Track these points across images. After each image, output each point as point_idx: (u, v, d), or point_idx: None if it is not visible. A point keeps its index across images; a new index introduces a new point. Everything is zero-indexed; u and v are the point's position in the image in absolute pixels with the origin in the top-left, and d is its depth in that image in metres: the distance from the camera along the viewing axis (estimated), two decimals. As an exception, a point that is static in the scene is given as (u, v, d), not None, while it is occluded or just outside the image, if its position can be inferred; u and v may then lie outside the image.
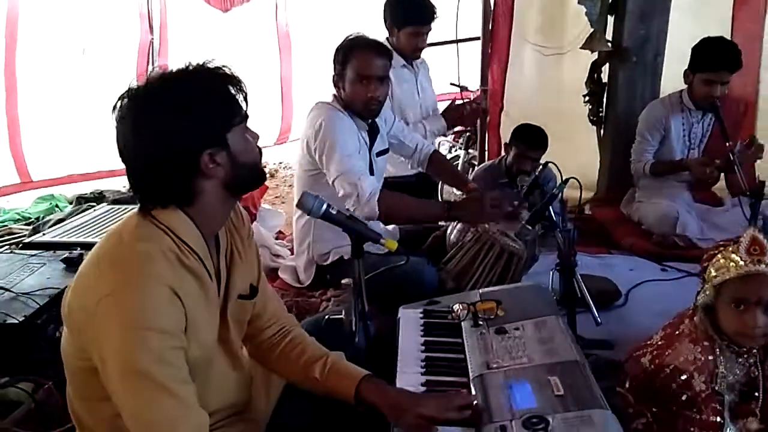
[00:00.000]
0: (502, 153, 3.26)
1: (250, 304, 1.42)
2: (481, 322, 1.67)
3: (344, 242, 2.29)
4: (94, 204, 3.00)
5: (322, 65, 5.78)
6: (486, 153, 3.71)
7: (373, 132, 2.32)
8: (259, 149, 1.29)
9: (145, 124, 1.15)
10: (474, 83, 4.03)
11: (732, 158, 2.73)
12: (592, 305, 2.05)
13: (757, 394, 1.38)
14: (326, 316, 1.66)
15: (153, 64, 5.79)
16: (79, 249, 2.16)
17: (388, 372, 1.55)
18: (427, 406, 1.31)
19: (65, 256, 2.10)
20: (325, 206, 1.46)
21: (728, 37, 3.16)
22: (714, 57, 2.85)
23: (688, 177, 3.14)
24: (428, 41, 3.18)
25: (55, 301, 1.88)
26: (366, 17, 5.64)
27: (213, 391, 1.31)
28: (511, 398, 1.34)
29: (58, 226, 2.53)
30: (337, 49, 2.25)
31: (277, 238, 3.13)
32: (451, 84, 4.48)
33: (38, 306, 1.83)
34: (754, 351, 1.40)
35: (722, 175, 3.05)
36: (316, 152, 2.17)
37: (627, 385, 1.52)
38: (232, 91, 1.21)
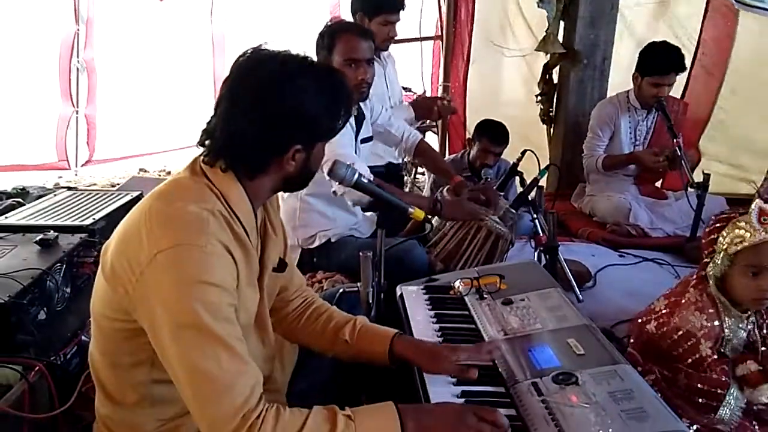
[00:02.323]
0: (466, 147, 3.38)
1: (280, 277, 1.41)
2: (486, 296, 1.74)
3: (330, 225, 2.33)
4: (20, 200, 2.84)
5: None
6: (447, 148, 3.81)
7: (359, 118, 2.34)
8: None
9: (261, 91, 1.15)
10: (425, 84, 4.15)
11: (678, 152, 2.96)
12: (575, 284, 2.18)
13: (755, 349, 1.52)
14: (341, 289, 1.66)
15: (78, 56, 5.54)
16: (52, 231, 2.04)
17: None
18: (465, 351, 1.37)
19: (40, 238, 1.97)
20: (357, 175, 1.47)
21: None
22: (662, 61, 3.08)
23: (635, 171, 3.38)
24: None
25: (37, 282, 1.77)
26: (303, 17, 5.67)
27: None
28: (533, 360, 1.41)
29: (18, 211, 2.37)
30: (321, 35, 2.24)
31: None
32: (404, 88, 4.59)
33: (22, 286, 1.71)
34: (752, 318, 1.55)
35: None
36: None
37: (632, 350, 1.63)
38: (345, 106, 1.24)
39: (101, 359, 1.23)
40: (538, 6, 3.53)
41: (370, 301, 1.57)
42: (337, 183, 1.85)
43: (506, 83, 4.11)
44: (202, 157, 1.22)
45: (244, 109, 1.16)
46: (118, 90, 5.72)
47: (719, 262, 1.54)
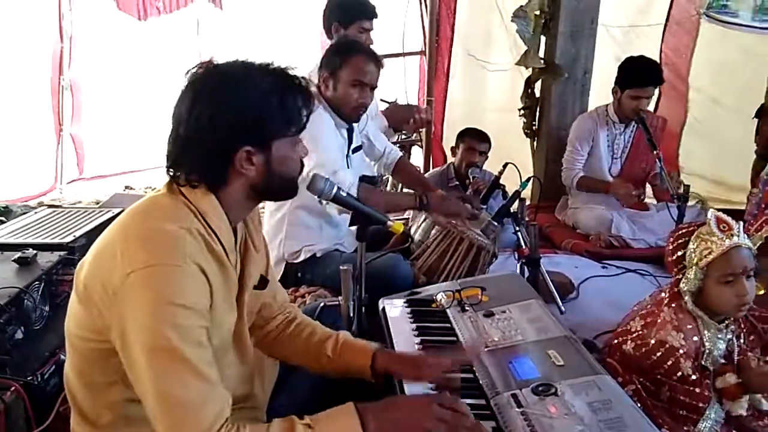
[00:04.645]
0: (449, 159, 3.41)
1: (261, 294, 1.41)
2: (467, 308, 1.74)
3: (316, 240, 2.33)
4: (2, 218, 2.82)
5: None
6: (431, 162, 3.83)
7: (350, 130, 2.35)
8: (301, 164, 1.28)
9: (208, 94, 1.15)
10: (412, 96, 4.19)
11: (659, 164, 3.00)
12: (557, 295, 2.19)
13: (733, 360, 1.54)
14: (323, 303, 1.66)
15: (62, 73, 5.53)
16: (31, 249, 2.02)
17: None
18: (446, 358, 1.37)
19: (18, 256, 1.95)
20: (336, 188, 1.48)
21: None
22: (641, 74, 3.13)
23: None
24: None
25: (15, 301, 1.75)
26: (291, 33, 5.72)
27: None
28: (513, 371, 1.41)
29: (-5, 229, 2.35)
30: (334, 47, 2.26)
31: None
32: (381, 100, 4.62)
33: (-1, 305, 1.69)
34: (732, 327, 1.56)
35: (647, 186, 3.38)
36: None
37: (613, 360, 1.63)
38: (299, 103, 1.21)
39: (76, 379, 1.22)
40: (512, 20, 3.58)
41: (352, 315, 1.57)
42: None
43: (489, 97, 4.15)
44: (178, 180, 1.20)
45: (189, 117, 1.15)
46: (103, 108, 5.71)
47: (692, 276, 1.55)
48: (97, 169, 5.83)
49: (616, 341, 1.68)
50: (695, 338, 1.53)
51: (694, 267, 1.53)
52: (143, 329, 1.06)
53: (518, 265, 2.21)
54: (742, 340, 1.56)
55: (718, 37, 3.85)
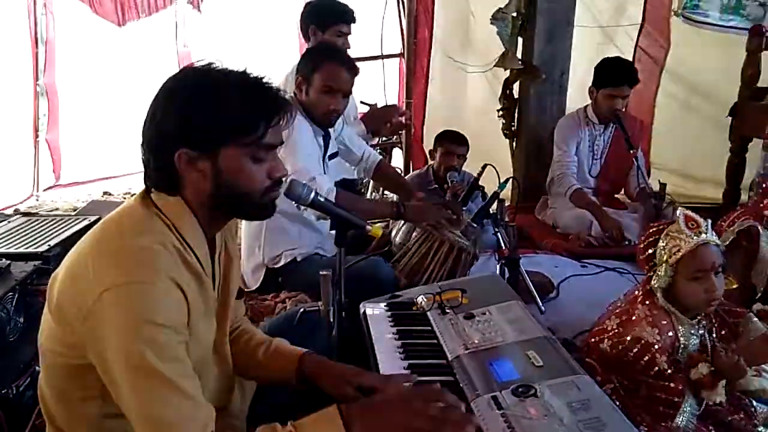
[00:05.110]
0: (429, 162, 3.41)
1: (238, 303, 1.40)
2: (447, 311, 1.74)
3: (296, 245, 2.32)
4: None
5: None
6: (411, 165, 3.83)
7: (326, 136, 2.35)
8: (272, 184, 1.21)
9: (162, 96, 1.14)
10: (392, 99, 4.19)
11: (636, 163, 3.04)
12: (536, 295, 2.20)
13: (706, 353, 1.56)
14: (301, 309, 1.65)
15: (38, 78, 5.46)
16: (4, 259, 1.98)
17: (367, 362, 1.58)
18: (370, 378, 1.35)
19: (-9, 266, 1.92)
20: (313, 194, 1.47)
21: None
22: (615, 74, 3.18)
23: (595, 183, 3.46)
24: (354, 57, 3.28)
25: (-12, 312, 1.72)
26: (270, 37, 5.70)
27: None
28: (493, 373, 1.41)
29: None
30: (309, 52, 2.26)
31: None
32: (362, 102, 4.62)
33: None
34: (704, 322, 1.59)
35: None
36: None
37: (591, 359, 1.65)
38: (257, 112, 1.14)
39: (50, 393, 1.19)
40: (491, 23, 3.60)
41: (332, 320, 1.56)
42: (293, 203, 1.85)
43: (469, 98, 4.18)
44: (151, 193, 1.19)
45: (145, 119, 1.15)
46: (81, 113, 5.64)
47: (663, 273, 1.58)
48: (75, 175, 5.76)
49: (593, 340, 1.70)
50: (670, 333, 1.56)
51: (664, 264, 1.57)
52: (120, 350, 1.04)
53: (498, 266, 2.22)
54: (714, 335, 1.59)
55: (690, 37, 3.92)
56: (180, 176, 1.14)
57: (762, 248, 1.79)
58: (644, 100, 3.95)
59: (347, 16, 2.94)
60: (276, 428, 1.11)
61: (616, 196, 3.59)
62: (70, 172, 5.70)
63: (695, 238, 1.51)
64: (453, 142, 3.15)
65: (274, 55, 4.91)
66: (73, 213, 2.96)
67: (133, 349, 1.03)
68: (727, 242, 1.81)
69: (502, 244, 2.24)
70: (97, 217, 2.48)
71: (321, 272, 1.55)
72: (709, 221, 1.54)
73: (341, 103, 2.25)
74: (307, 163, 2.11)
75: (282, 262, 2.28)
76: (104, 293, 1.04)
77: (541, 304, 2.18)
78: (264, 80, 1.17)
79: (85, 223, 2.40)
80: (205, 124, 1.12)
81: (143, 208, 1.16)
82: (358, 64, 3.72)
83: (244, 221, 2.33)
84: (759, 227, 1.79)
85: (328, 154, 2.38)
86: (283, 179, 1.24)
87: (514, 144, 3.94)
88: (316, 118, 2.25)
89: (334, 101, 2.21)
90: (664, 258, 1.56)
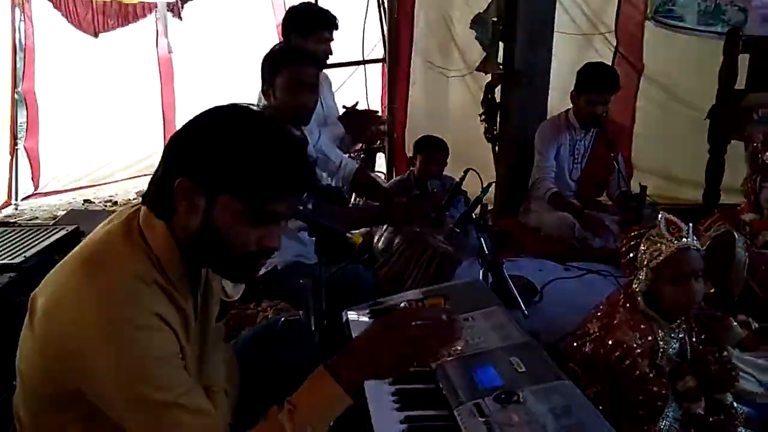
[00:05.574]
0: (410, 168, 3.41)
1: (221, 325, 1.37)
2: (431, 317, 1.73)
3: (277, 253, 2.28)
4: None
5: (207, 89, 5.73)
6: (394, 169, 3.83)
7: (303, 144, 2.33)
8: (259, 252, 1.14)
9: (199, 119, 1.12)
10: (375, 104, 4.19)
11: (616, 166, 3.07)
12: (520, 300, 2.20)
13: (687, 359, 1.57)
14: (282, 318, 1.64)
15: (17, 86, 5.40)
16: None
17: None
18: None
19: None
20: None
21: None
22: (597, 80, 3.21)
23: (575, 187, 3.49)
24: (334, 62, 3.28)
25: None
26: (250, 40, 5.69)
27: None
28: (476, 380, 1.41)
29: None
30: (266, 59, 2.25)
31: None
32: (344, 107, 4.62)
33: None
34: (684, 326, 1.59)
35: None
36: None
37: (574, 365, 1.65)
38: (278, 179, 1.08)
39: (26, 414, 1.16)
40: (471, 27, 3.62)
41: (313, 329, 1.55)
42: None
43: (451, 103, 4.19)
44: (140, 212, 1.15)
45: (178, 135, 1.13)
46: (59, 121, 5.59)
47: (643, 277, 1.59)
48: (55, 184, 5.70)
49: (575, 344, 1.70)
50: (650, 338, 1.56)
51: (645, 268, 1.57)
52: (119, 390, 1.03)
53: (481, 271, 2.22)
54: (694, 339, 1.60)
55: (664, 41, 3.97)
56: (175, 202, 1.10)
57: (737, 254, 1.80)
58: (625, 103, 3.99)
59: (330, 23, 2.94)
60: (274, 412, 1.10)
61: (597, 198, 3.61)
62: (49, 181, 5.64)
63: (676, 242, 1.52)
64: (432, 149, 3.15)
65: (255, 62, 4.88)
66: (50, 223, 2.91)
67: (130, 388, 1.03)
68: (704, 247, 1.82)
69: (485, 249, 2.24)
70: (75, 226, 2.44)
71: (302, 281, 1.54)
72: (691, 225, 1.55)
73: (309, 98, 2.24)
74: None
75: (262, 271, 2.25)
76: (94, 333, 1.02)
77: (524, 308, 2.18)
78: (303, 151, 1.14)
79: (63, 233, 2.36)
80: (216, 164, 1.06)
81: (127, 241, 1.11)
82: (340, 69, 3.76)
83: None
84: (734, 233, 1.80)
85: None
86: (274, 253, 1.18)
87: (497, 148, 3.95)
88: (290, 119, 2.24)
89: (301, 97, 2.21)
90: (645, 262, 1.57)
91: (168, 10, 6.05)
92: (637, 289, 1.60)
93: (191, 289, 1.20)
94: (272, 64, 2.22)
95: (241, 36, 5.80)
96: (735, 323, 1.78)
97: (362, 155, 4.55)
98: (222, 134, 1.08)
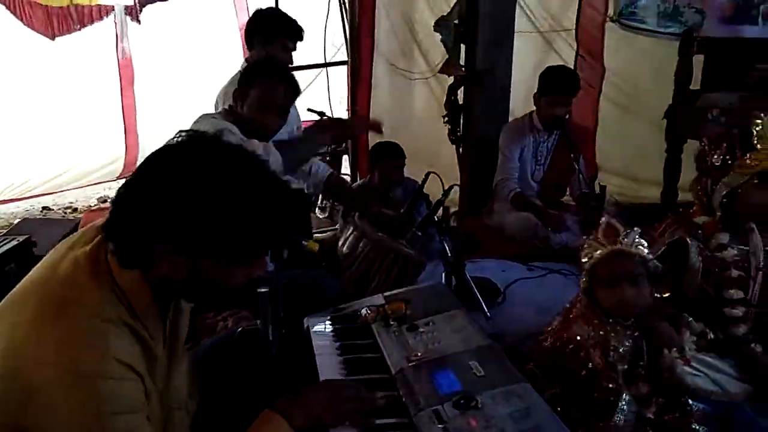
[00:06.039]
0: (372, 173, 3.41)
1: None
2: (392, 322, 1.73)
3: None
4: None
5: (169, 93, 5.63)
6: (357, 174, 3.82)
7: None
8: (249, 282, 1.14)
9: (162, 168, 1.03)
10: (338, 108, 4.17)
11: (577, 168, 3.11)
12: (482, 302, 2.21)
13: (642, 363, 1.59)
14: (239, 328, 1.61)
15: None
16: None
17: (310, 378, 1.55)
18: None
19: None
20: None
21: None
22: (557, 82, 3.25)
23: (537, 190, 3.53)
24: (296, 64, 3.24)
25: None
26: (204, 48, 5.62)
27: None
28: (436, 385, 1.40)
29: None
30: (252, 66, 2.21)
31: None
32: (309, 110, 4.58)
33: None
34: (635, 326, 1.61)
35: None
36: None
37: (533, 365, 1.66)
38: (263, 242, 1.06)
39: None
40: (434, 30, 3.63)
41: (271, 338, 1.52)
42: None
43: (416, 105, 4.20)
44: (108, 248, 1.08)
45: (137, 184, 1.03)
46: (17, 127, 5.43)
47: (584, 278, 1.62)
48: (13, 191, 5.53)
49: (540, 338, 1.73)
50: (602, 332, 1.59)
51: (584, 270, 1.59)
52: None
53: (444, 274, 2.22)
54: (643, 341, 1.61)
55: (626, 41, 4.04)
56: (151, 261, 1.05)
57: (691, 258, 1.83)
58: (587, 105, 4.05)
59: (295, 32, 2.90)
60: None
61: (560, 199, 3.65)
62: (6, 188, 5.47)
63: (610, 246, 1.54)
64: (389, 156, 3.15)
65: (216, 65, 4.82)
66: (3, 233, 2.82)
67: None
68: (659, 252, 1.85)
69: (448, 252, 2.24)
70: (27, 236, 2.36)
71: (258, 289, 1.51)
72: (636, 230, 1.57)
73: (275, 120, 2.21)
74: None
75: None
76: (51, 377, 0.97)
77: (487, 310, 2.19)
78: (290, 201, 1.09)
79: (14, 243, 2.29)
80: (198, 234, 1.01)
81: (94, 278, 1.05)
82: (303, 72, 3.72)
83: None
84: (687, 238, 1.83)
85: None
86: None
87: (461, 149, 3.97)
88: (253, 135, 2.21)
89: (268, 117, 2.18)
90: (584, 263, 1.60)
91: (126, 14, 5.93)
92: (582, 289, 1.63)
93: (160, 313, 1.16)
94: (252, 73, 2.18)
95: (203, 39, 5.72)
96: (691, 319, 1.82)
97: (328, 158, 4.55)
98: (199, 195, 0.99)
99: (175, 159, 1.03)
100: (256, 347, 1.52)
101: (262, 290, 1.51)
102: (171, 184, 1.00)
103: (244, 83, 2.18)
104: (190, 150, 1.04)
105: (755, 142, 1.73)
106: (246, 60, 2.91)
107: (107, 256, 1.07)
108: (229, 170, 1.02)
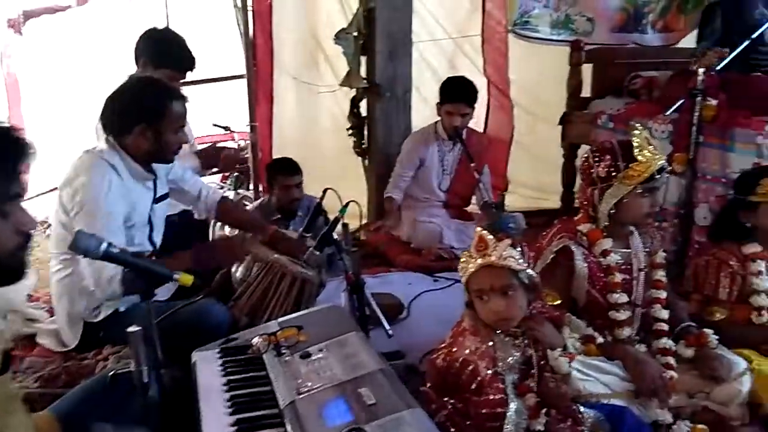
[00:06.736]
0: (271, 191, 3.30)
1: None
2: (284, 351, 1.64)
3: (117, 294, 2.07)
4: None
5: (59, 113, 5.26)
6: (260, 191, 3.69)
7: (155, 177, 2.14)
8: (22, 241, 1.10)
9: None
10: (241, 122, 4.03)
11: (477, 177, 3.15)
12: (383, 319, 2.16)
13: (533, 371, 1.59)
14: (110, 372, 1.47)
15: None
16: None
17: (191, 420, 1.44)
18: None
19: None
20: (105, 245, 1.30)
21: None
22: (453, 91, 3.29)
23: (444, 197, 3.55)
24: (194, 79, 3.09)
25: None
26: (93, 63, 5.31)
27: None
28: (326, 417, 1.33)
29: None
30: (144, 97, 2.01)
31: (30, 300, 2.69)
32: (215, 125, 4.41)
33: None
34: (524, 336, 1.61)
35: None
36: (73, 210, 1.94)
37: (428, 385, 1.63)
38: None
39: None
40: (335, 42, 3.59)
41: (146, 381, 1.40)
42: (81, 257, 1.64)
43: (322, 118, 4.13)
44: None
45: None
46: None
47: (465, 292, 1.61)
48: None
49: (432, 356, 1.70)
50: (490, 343, 1.57)
51: (463, 283, 1.59)
52: None
53: (343, 294, 2.16)
54: (540, 352, 1.62)
55: (527, 53, 4.14)
56: None
57: (577, 266, 1.87)
58: (503, 117, 4.10)
59: (186, 65, 2.73)
60: None
61: (465, 208, 3.69)
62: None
63: (479, 260, 1.53)
64: (286, 174, 3.05)
65: (105, 80, 4.54)
66: None
67: None
68: (548, 261, 1.88)
69: (347, 270, 2.17)
70: None
71: (129, 330, 1.38)
72: (506, 241, 1.54)
73: (185, 135, 2.14)
74: (105, 225, 1.89)
75: (102, 315, 2.01)
76: None
77: (388, 328, 2.14)
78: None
79: None
80: None
81: None
82: (197, 87, 3.57)
83: (51, 275, 2.05)
84: (572, 246, 1.87)
85: (157, 196, 2.17)
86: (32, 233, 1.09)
87: (366, 162, 3.94)
88: (163, 159, 2.09)
89: (182, 136, 2.09)
90: (462, 277, 1.59)
91: (8, 27, 5.51)
92: (465, 303, 1.62)
93: None
94: (157, 104, 2.00)
95: (92, 53, 5.39)
96: (573, 318, 1.85)
97: (237, 174, 4.38)
98: None
99: None
100: (130, 393, 1.39)
101: (133, 329, 1.38)
102: None
103: (152, 115, 2.01)
104: None
105: (636, 153, 1.78)
106: (129, 77, 2.72)
107: None
108: None
